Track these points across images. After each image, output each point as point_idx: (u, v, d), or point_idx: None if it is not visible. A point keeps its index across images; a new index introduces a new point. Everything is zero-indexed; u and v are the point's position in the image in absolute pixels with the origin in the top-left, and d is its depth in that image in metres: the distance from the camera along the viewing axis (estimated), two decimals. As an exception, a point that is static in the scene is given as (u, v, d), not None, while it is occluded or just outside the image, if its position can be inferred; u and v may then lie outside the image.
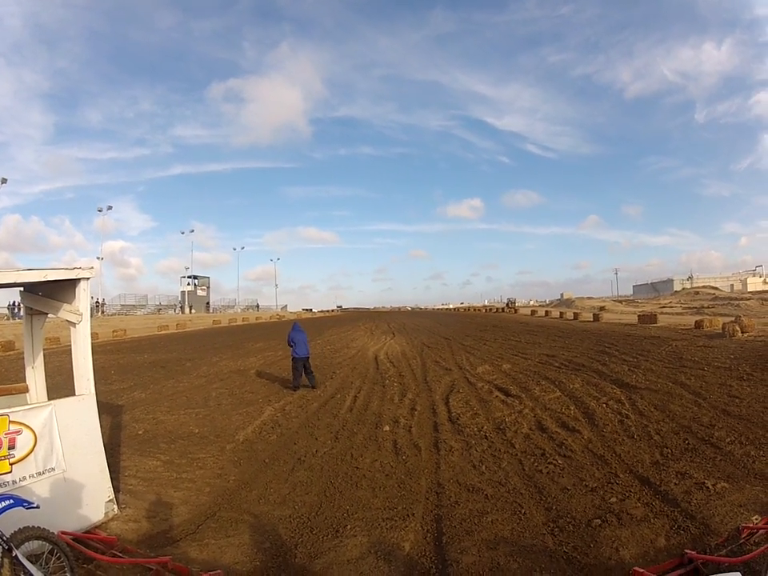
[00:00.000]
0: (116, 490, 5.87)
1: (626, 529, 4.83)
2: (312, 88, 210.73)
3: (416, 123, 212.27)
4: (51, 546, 3.75)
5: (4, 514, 3.51)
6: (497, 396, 10.83)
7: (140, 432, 9.31)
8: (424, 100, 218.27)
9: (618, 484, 5.89)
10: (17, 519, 3.63)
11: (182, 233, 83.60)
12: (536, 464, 6.80)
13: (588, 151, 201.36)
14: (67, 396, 5.45)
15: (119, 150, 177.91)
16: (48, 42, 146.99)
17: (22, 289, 5.91)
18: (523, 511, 5.41)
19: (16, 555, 3.34)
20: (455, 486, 6.25)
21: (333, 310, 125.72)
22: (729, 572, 3.25)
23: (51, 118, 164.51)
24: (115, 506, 5.56)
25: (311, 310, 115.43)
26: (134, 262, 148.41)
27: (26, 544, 3.55)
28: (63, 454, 4.96)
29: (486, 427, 8.58)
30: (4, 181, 50.19)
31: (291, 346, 13.20)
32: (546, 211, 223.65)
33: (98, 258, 62.59)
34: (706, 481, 5.60)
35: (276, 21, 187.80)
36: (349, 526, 5.34)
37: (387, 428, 8.91)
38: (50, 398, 5.77)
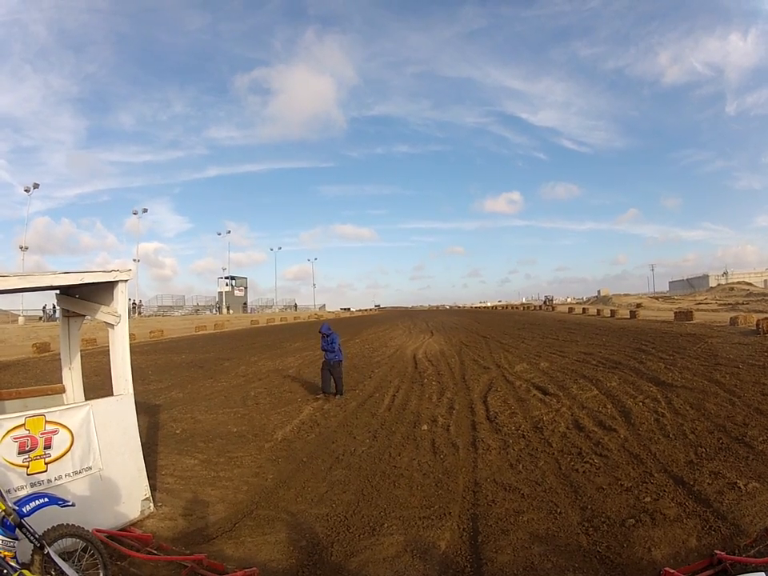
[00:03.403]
0: (153, 488, 5.93)
1: (659, 529, 4.78)
2: (347, 87, 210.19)
3: (451, 120, 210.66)
4: (85, 544, 3.76)
5: (38, 512, 3.53)
6: (534, 394, 10.69)
7: (178, 431, 9.42)
8: (458, 96, 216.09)
9: (652, 483, 5.81)
10: (52, 517, 3.67)
11: (219, 234, 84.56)
12: (572, 463, 6.69)
13: (622, 145, 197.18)
14: (105, 396, 5.51)
15: (154, 152, 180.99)
16: (74, 47, 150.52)
17: (57, 292, 6.00)
18: (559, 510, 5.33)
19: (48, 553, 3.36)
20: (492, 485, 6.15)
21: (371, 309, 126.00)
22: (754, 572, 3.18)
23: (82, 122, 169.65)
24: (151, 504, 5.61)
25: (349, 309, 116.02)
26: (168, 263, 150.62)
27: (59, 541, 3.57)
28: (100, 453, 5.02)
29: (523, 426, 8.46)
30: (36, 186, 51.47)
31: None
32: (583, 206, 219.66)
33: (134, 260, 63.47)
34: (738, 481, 5.54)
35: (306, 20, 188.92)
36: (386, 525, 5.28)
37: (425, 427, 8.80)
38: (87, 398, 5.86)
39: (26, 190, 50.95)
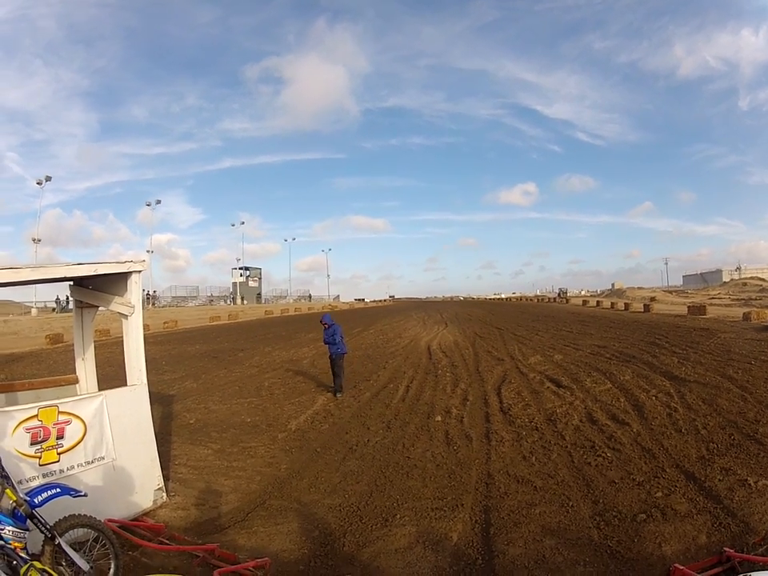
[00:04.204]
0: (166, 478, 5.97)
1: (670, 525, 4.74)
2: (360, 79, 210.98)
3: (464, 112, 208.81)
4: (96, 534, 3.77)
5: (50, 502, 3.54)
6: (548, 387, 10.62)
7: (191, 421, 9.48)
8: (471, 89, 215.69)
9: (664, 478, 5.75)
10: (64, 507, 3.68)
11: (232, 225, 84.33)
12: (585, 456, 6.64)
13: (636, 138, 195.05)
14: (119, 386, 5.53)
15: (167, 145, 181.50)
16: (84, 41, 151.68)
17: (71, 283, 6.02)
18: (571, 504, 5.30)
19: (59, 543, 3.37)
20: (505, 477, 6.12)
21: (385, 300, 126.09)
22: (762, 571, 3.14)
23: (94, 115, 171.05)
24: (164, 494, 5.64)
25: (363, 299, 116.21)
26: (181, 254, 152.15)
27: (71, 532, 3.58)
28: (113, 443, 5.04)
29: (536, 418, 8.41)
30: (48, 178, 51.59)
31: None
32: (597, 199, 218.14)
33: (147, 251, 63.44)
34: (748, 478, 5.46)
35: (317, 11, 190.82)
36: (398, 516, 5.27)
37: (439, 418, 8.79)
38: (101, 389, 5.88)
39: (38, 183, 51.07)
